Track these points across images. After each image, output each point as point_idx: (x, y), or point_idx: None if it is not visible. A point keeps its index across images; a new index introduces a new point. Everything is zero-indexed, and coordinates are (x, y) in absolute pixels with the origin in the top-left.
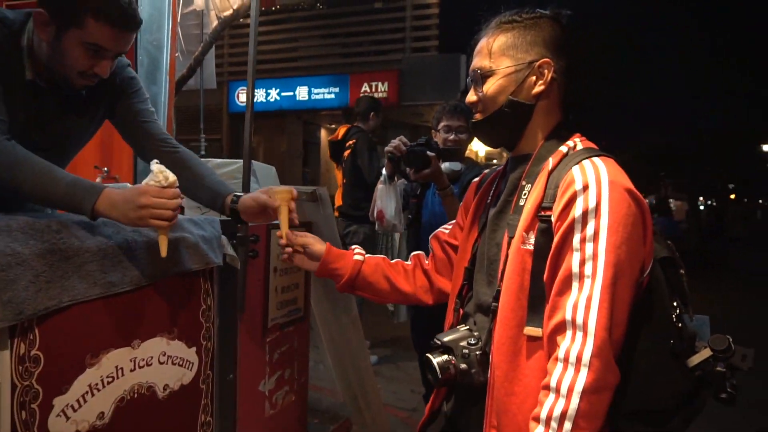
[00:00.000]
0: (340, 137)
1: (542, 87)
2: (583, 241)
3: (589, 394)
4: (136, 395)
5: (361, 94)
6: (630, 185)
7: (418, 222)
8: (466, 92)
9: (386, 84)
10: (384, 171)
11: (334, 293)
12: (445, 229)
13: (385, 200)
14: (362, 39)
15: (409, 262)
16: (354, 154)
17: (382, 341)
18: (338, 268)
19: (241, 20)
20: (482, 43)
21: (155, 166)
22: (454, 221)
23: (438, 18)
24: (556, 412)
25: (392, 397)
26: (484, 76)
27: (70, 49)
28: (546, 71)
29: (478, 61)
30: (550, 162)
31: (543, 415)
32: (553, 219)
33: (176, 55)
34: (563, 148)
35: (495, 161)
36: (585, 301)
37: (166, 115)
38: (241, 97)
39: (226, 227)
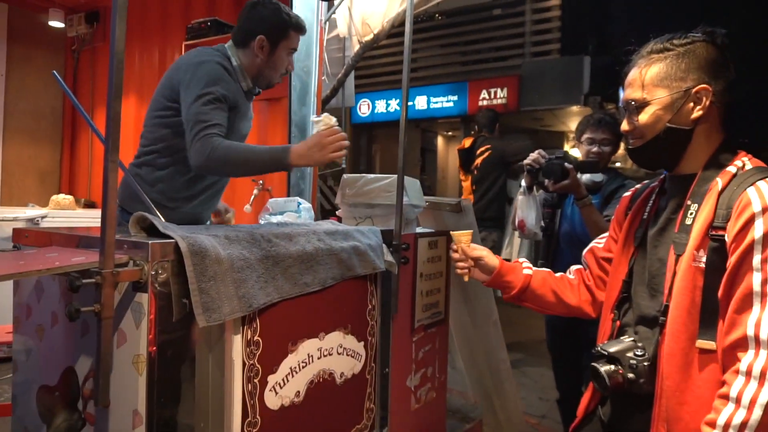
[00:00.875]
0: (467, 146)
1: (701, 113)
2: (764, 261)
3: None
4: (321, 380)
5: (480, 102)
6: None
7: (551, 230)
8: (589, 95)
9: (505, 90)
10: (523, 182)
11: (473, 298)
12: (598, 243)
13: (526, 210)
14: (481, 46)
15: (571, 276)
16: (488, 163)
17: (507, 347)
18: (510, 281)
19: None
20: (634, 74)
21: (316, 117)
22: (606, 235)
23: (560, 20)
24: (736, 421)
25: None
26: (639, 107)
27: (281, 56)
28: (704, 97)
29: (631, 93)
30: (719, 182)
31: (721, 422)
32: (727, 239)
33: (323, 78)
34: (731, 168)
35: (618, 164)
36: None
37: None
38: (363, 109)
39: (385, 237)
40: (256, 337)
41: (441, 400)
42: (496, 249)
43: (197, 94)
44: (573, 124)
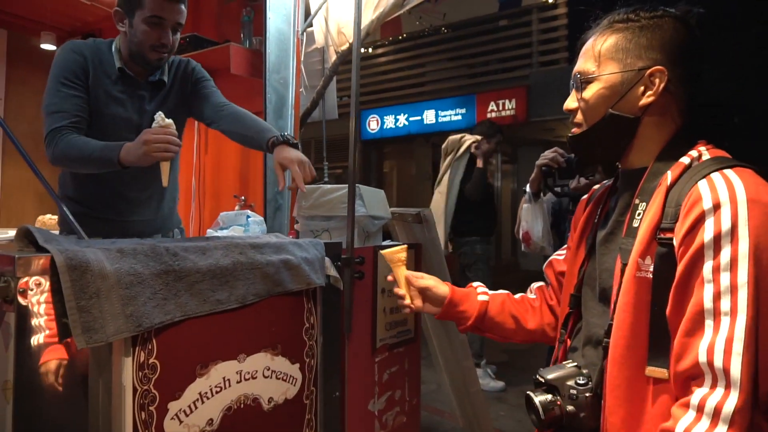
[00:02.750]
0: None
1: (651, 98)
2: (716, 270)
3: None
4: (242, 405)
5: (489, 114)
6: None
7: (563, 240)
8: None
9: (513, 101)
10: (528, 189)
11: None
12: (558, 255)
13: (531, 220)
14: (488, 58)
15: (533, 296)
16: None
17: (510, 367)
18: (464, 310)
19: (370, 51)
20: (589, 43)
21: (157, 115)
22: (566, 246)
23: (567, 29)
24: None
25: (517, 426)
26: (585, 81)
27: (139, 26)
28: (657, 80)
29: (582, 64)
30: (669, 176)
31: None
32: (675, 242)
33: (300, 90)
34: (685, 159)
35: None
36: (723, 343)
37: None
38: (372, 125)
39: (330, 249)
40: (151, 360)
41: (414, 425)
42: (482, 261)
43: (47, 86)
44: None
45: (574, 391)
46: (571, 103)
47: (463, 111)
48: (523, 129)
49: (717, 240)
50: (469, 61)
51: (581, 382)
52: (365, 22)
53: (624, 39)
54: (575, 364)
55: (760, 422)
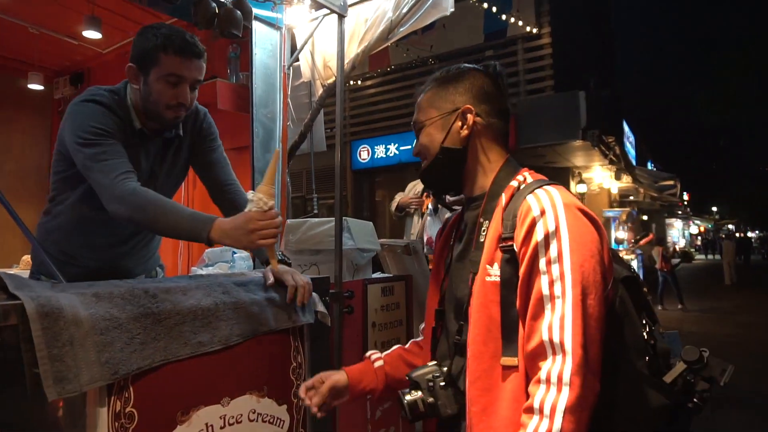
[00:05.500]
0: None
1: (466, 131)
2: (549, 263)
3: (571, 413)
4: None
5: None
6: (583, 206)
7: None
8: (587, 129)
9: None
10: (430, 205)
11: None
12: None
13: (433, 229)
14: None
15: (420, 337)
16: None
17: None
18: (366, 385)
19: (360, 83)
20: (418, 98)
21: (252, 194)
22: None
23: (551, 57)
24: None
25: None
26: (419, 128)
27: (155, 85)
28: (469, 116)
29: (414, 116)
30: (503, 197)
31: None
32: (515, 247)
33: (287, 123)
34: (513, 183)
35: (632, 197)
36: (558, 321)
37: (279, 176)
38: (363, 155)
39: (318, 285)
40: (128, 409)
41: None
42: None
43: (80, 139)
44: (576, 160)
45: (431, 383)
46: (415, 148)
47: None
48: (515, 156)
49: (546, 238)
50: None
51: (437, 375)
52: (350, 55)
53: (439, 90)
54: (435, 363)
55: (593, 382)
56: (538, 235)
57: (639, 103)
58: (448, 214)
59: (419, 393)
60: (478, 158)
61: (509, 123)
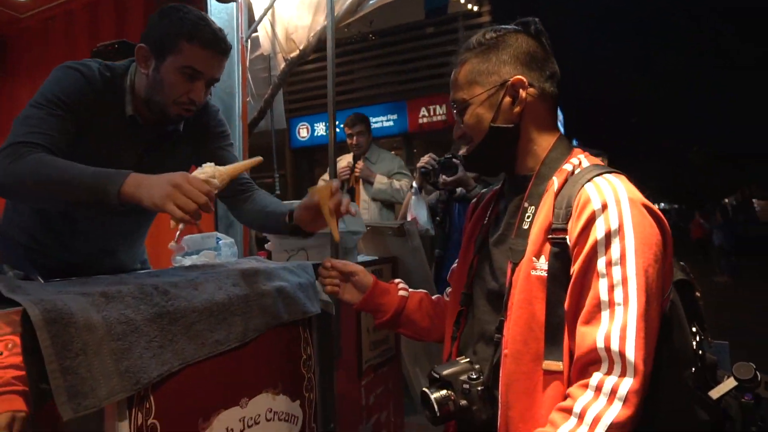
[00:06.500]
0: None
1: (519, 107)
2: (609, 264)
3: (616, 429)
4: None
5: (420, 119)
6: (648, 202)
7: (446, 222)
8: None
9: (444, 107)
10: (414, 184)
11: None
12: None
13: (417, 209)
14: (417, 65)
15: (448, 299)
16: None
17: None
18: (384, 303)
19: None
20: (454, 74)
21: (211, 166)
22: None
23: None
24: None
25: None
26: (462, 108)
27: (168, 75)
28: (520, 90)
29: (453, 94)
30: (555, 181)
31: None
32: (569, 241)
33: (248, 99)
34: (567, 166)
35: None
36: (619, 330)
37: (241, 157)
38: (302, 133)
39: (315, 270)
40: (150, 421)
41: None
42: None
43: (34, 100)
44: None
45: (467, 386)
46: (457, 131)
47: (395, 117)
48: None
49: (607, 237)
50: (399, 68)
51: (474, 377)
52: (317, 28)
53: (477, 63)
54: (467, 360)
55: (643, 400)
56: (598, 232)
57: (575, 81)
58: (434, 195)
59: (446, 392)
60: (530, 135)
61: (560, 90)
